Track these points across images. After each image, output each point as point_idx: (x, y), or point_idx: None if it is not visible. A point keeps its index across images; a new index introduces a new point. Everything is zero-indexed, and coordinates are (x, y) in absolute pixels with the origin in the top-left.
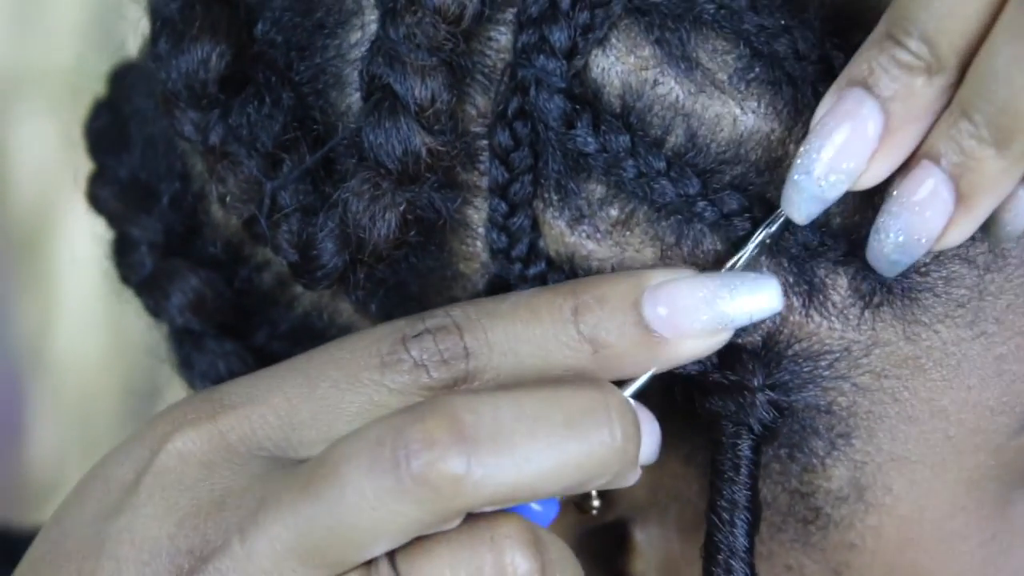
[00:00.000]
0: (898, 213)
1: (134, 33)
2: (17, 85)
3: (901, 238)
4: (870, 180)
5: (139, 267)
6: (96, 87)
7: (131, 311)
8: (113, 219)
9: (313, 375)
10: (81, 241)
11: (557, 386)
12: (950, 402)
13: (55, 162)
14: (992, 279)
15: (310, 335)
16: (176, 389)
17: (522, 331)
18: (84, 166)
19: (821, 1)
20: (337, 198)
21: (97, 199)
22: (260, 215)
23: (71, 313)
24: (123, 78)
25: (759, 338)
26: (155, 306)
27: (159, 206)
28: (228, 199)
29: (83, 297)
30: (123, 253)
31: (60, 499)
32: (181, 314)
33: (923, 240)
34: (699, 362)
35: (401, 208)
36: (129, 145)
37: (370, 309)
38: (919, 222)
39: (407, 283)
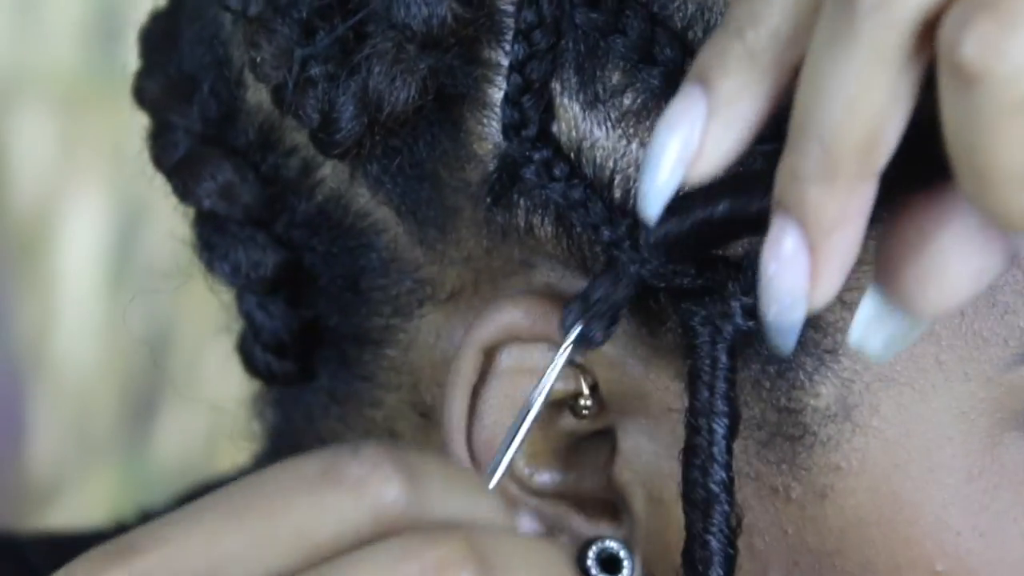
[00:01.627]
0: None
1: (135, 33)
2: (17, 85)
3: (773, 310)
4: (703, 165)
5: (173, 150)
6: (96, 87)
7: (131, 312)
8: (154, 108)
9: (238, 506)
10: (81, 242)
11: None
12: (941, 325)
13: (55, 162)
14: None
15: (327, 223)
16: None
17: None
18: (84, 166)
19: None
20: (360, 60)
21: (141, 91)
22: (289, 80)
23: (71, 314)
24: None
25: (740, 250)
26: (184, 189)
27: (199, 95)
28: (259, 65)
29: (83, 298)
30: (159, 136)
31: (59, 500)
32: (208, 198)
33: (790, 304)
34: (676, 270)
35: (422, 73)
36: (178, 45)
37: (385, 190)
38: (780, 287)
39: (422, 161)
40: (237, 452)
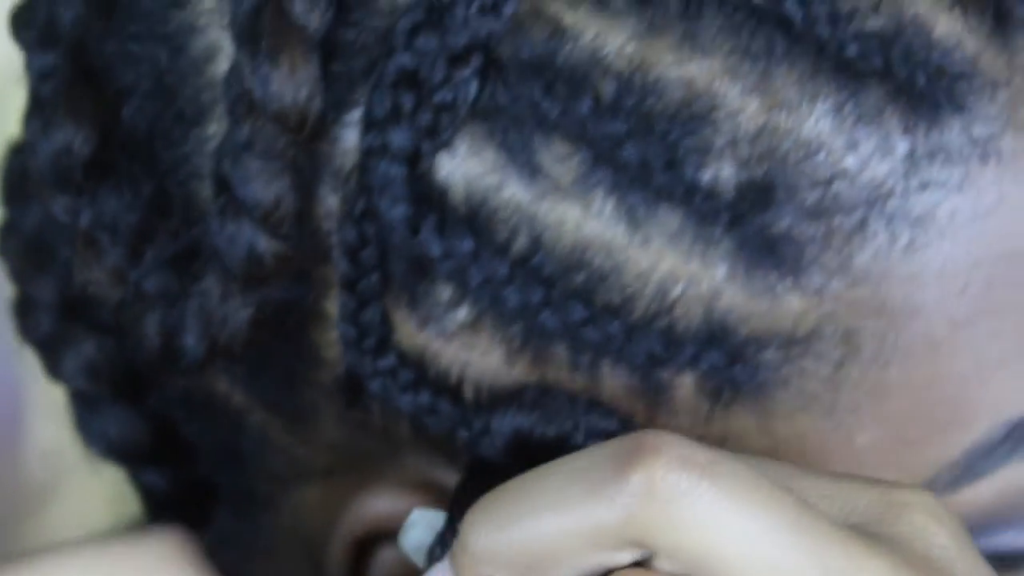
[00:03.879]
0: None
1: None
2: (17, 85)
3: None
4: None
5: (36, 328)
6: None
7: None
8: (14, 275)
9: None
10: None
11: None
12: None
13: None
14: (847, 372)
15: (194, 404)
16: None
17: None
18: None
19: (672, 113)
20: (193, 293)
21: (5, 250)
22: (125, 304)
23: None
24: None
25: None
26: (51, 368)
27: (55, 265)
28: (94, 285)
29: None
30: (22, 311)
31: (60, 500)
32: (74, 378)
33: None
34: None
35: (249, 311)
36: (32, 199)
37: (243, 383)
38: None
39: (275, 364)
40: None
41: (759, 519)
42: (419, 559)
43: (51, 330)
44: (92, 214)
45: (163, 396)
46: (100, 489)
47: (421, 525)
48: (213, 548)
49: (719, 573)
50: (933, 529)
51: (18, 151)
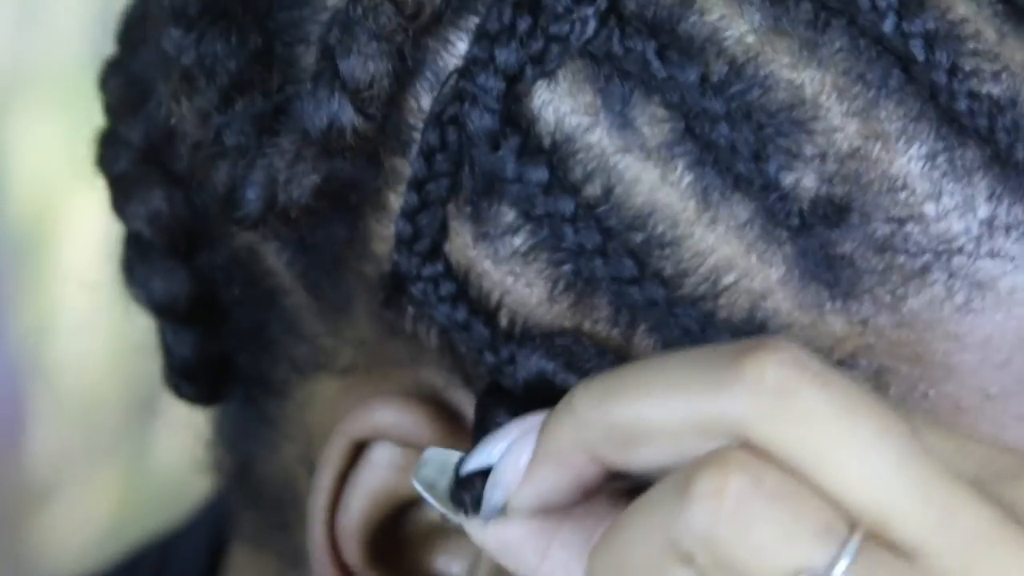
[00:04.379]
0: None
1: None
2: (17, 85)
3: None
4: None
5: (114, 163)
6: (97, 88)
7: (132, 312)
8: (109, 109)
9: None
10: (84, 240)
11: None
12: None
13: (55, 162)
14: None
15: (240, 270)
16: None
17: None
18: (87, 164)
19: (773, 111)
20: (266, 151)
21: (104, 84)
22: (204, 145)
23: (72, 314)
24: None
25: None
26: (117, 205)
27: (148, 107)
28: (181, 118)
29: (84, 298)
30: (105, 144)
31: (61, 500)
32: (137, 221)
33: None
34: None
35: (321, 175)
36: (143, 40)
37: (291, 258)
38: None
39: (325, 245)
40: None
41: (866, 431)
42: (429, 496)
43: (128, 169)
44: (196, 53)
45: (212, 258)
46: (100, 489)
47: (434, 463)
48: (228, 433)
49: (815, 476)
50: None
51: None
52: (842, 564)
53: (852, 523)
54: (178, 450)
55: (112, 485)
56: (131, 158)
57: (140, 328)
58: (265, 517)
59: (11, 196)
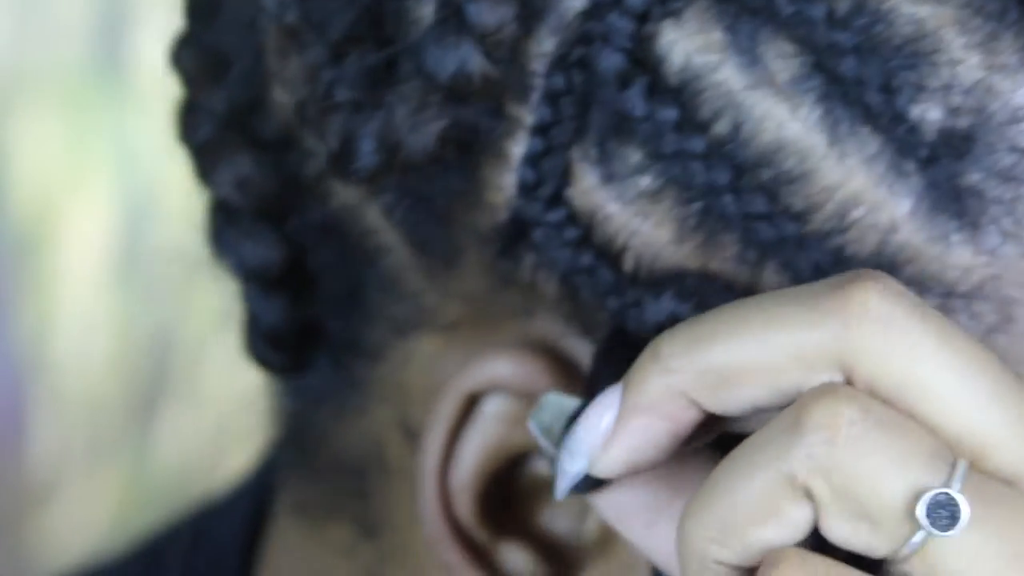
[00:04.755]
0: None
1: (137, 32)
2: (18, 85)
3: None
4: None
5: (197, 131)
6: (101, 85)
7: (135, 310)
8: (187, 80)
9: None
10: (85, 240)
11: None
12: None
13: (56, 162)
14: (996, 339)
15: (336, 232)
16: (179, 391)
17: None
18: (88, 164)
19: (898, 44)
20: (385, 100)
21: (177, 59)
22: (313, 100)
23: (72, 314)
24: None
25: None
26: (203, 173)
27: (231, 76)
28: (286, 77)
29: (85, 298)
30: (186, 114)
31: (61, 500)
32: (224, 187)
33: (574, 451)
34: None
35: (444, 123)
36: (219, 15)
37: (396, 216)
38: (579, 432)
39: (436, 198)
40: (241, 451)
41: (965, 363)
42: (544, 439)
43: (212, 136)
44: (301, 11)
45: (303, 222)
46: (100, 489)
47: (551, 408)
48: (301, 404)
49: (916, 406)
50: None
51: None
52: (956, 485)
53: (954, 451)
54: (180, 450)
55: (113, 485)
56: (214, 125)
57: (140, 328)
58: (340, 486)
59: (11, 196)
